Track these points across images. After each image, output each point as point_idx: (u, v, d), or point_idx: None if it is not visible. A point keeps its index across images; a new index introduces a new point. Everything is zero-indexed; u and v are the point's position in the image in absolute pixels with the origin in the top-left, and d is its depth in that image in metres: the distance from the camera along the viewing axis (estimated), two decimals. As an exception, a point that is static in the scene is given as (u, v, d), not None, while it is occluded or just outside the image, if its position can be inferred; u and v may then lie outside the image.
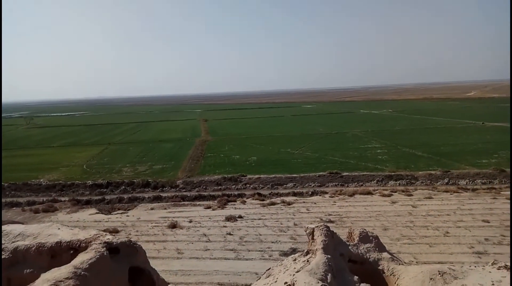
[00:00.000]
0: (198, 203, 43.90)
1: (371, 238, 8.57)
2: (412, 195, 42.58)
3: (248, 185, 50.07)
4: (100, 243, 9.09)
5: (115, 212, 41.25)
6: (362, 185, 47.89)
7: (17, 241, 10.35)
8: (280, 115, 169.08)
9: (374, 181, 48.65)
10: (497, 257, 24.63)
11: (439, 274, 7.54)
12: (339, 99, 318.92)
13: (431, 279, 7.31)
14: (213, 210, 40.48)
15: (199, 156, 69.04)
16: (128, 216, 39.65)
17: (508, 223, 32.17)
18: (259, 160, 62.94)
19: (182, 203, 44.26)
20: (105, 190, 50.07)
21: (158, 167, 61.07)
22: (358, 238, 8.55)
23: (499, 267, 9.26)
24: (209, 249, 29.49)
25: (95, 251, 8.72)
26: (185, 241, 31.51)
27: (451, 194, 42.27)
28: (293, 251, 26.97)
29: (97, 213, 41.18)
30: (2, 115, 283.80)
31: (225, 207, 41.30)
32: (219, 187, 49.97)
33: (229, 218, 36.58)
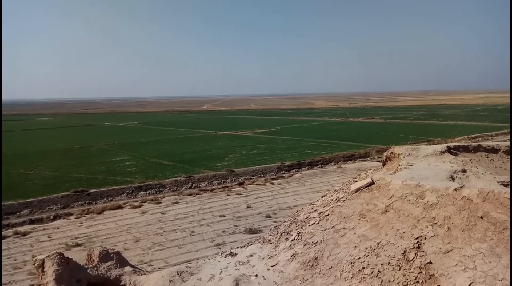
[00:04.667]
0: None
1: (112, 255, 8.37)
2: (161, 202, 44.71)
3: (-38, 221, 39.15)
4: None
5: None
6: (111, 200, 46.34)
7: None
8: (7, 129, 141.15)
9: (124, 194, 48.07)
10: (232, 244, 29.36)
11: (178, 274, 8.26)
12: (80, 111, 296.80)
13: (170, 281, 7.92)
14: None
15: None
16: None
17: (239, 214, 38.93)
18: (-22, 187, 50.37)
19: None
20: None
21: None
22: (98, 258, 8.18)
23: (226, 255, 10.99)
24: None
25: None
26: None
27: (194, 196, 47.10)
28: (32, 288, 23.14)
29: None
30: None
31: None
32: None
33: None
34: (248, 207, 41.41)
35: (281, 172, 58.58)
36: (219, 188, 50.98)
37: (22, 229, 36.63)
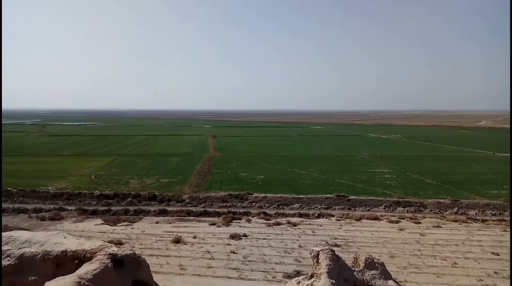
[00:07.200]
0: (203, 219, 43.74)
1: (377, 264, 8.37)
2: (420, 222, 41.93)
3: (254, 204, 49.83)
4: (105, 254, 9.08)
5: (120, 224, 41.27)
6: (369, 210, 47.32)
7: (24, 247, 10.41)
8: (288, 134, 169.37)
9: (382, 207, 48.05)
10: (506, 292, 24.03)
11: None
12: (348, 122, 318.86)
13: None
14: (217, 227, 40.27)
15: (206, 172, 69.16)
16: (133, 228, 39.65)
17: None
18: (266, 179, 62.80)
19: (187, 218, 44.14)
20: (111, 201, 50.24)
21: (165, 181, 61.26)
22: (363, 264, 8.37)
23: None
24: (212, 267, 29.22)
25: (100, 262, 8.71)
26: (189, 257, 31.29)
27: (460, 224, 41.55)
28: (297, 273, 26.57)
29: (102, 224, 41.26)
30: (14, 121, 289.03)
31: (230, 225, 41.05)
32: (225, 204, 49.79)
33: (234, 236, 36.32)
34: (535, 252, 32.69)
35: None
36: (494, 220, 42.79)
37: (293, 220, 42.84)
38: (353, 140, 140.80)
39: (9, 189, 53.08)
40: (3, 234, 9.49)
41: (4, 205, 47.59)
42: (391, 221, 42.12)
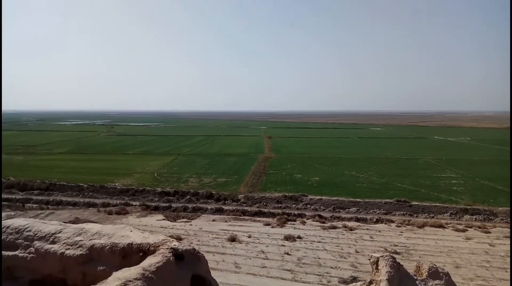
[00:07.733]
0: (257, 219, 44.16)
1: (441, 274, 7.86)
2: (490, 232, 38.73)
3: (309, 206, 49.28)
4: (167, 248, 9.55)
5: (180, 220, 43.07)
6: (433, 217, 44.62)
7: (94, 239, 11.25)
8: (346, 136, 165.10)
9: (447, 214, 45.07)
10: None
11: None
12: (410, 123, 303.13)
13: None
14: (272, 227, 40.42)
15: (262, 172, 69.71)
16: (191, 225, 41.16)
17: None
18: (322, 181, 61.79)
19: (242, 217, 44.86)
20: (172, 198, 52.61)
21: (222, 180, 62.77)
22: (427, 273, 7.90)
23: None
24: (266, 267, 29.40)
25: (163, 256, 9.18)
26: (243, 255, 31.78)
27: (538, 236, 37.68)
28: (354, 279, 25.82)
29: (163, 219, 43.38)
30: (86, 122, 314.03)
31: (285, 226, 41.00)
32: (279, 205, 49.82)
33: (288, 238, 36.23)
34: None
35: None
36: None
37: (349, 224, 41.71)
38: (416, 143, 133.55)
39: (80, 184, 57.85)
40: (76, 226, 10.31)
41: (76, 199, 52.05)
42: (457, 230, 39.34)
